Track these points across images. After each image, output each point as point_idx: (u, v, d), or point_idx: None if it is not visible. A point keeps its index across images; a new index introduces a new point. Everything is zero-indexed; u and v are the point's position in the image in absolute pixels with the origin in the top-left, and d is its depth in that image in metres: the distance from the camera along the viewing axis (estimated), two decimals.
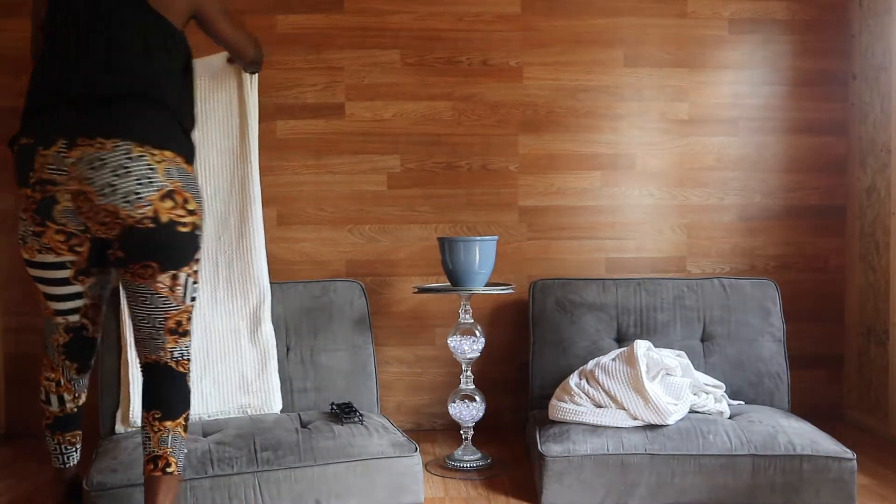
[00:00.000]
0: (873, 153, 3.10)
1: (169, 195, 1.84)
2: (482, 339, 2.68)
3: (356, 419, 2.40)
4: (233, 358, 2.60)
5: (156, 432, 1.88)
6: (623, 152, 3.19)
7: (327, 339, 2.75)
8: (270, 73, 3.08)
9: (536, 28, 3.14)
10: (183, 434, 1.91)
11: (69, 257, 1.91)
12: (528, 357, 2.90)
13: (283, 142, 3.10)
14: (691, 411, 2.46)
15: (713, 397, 2.54)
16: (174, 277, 1.89)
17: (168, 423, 1.88)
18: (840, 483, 2.24)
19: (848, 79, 3.23)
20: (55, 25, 1.96)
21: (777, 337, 2.85)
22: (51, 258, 1.90)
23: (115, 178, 1.79)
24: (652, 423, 2.33)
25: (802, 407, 2.93)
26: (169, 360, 1.92)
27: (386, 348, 3.14)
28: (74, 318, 2.02)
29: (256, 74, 2.66)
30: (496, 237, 2.69)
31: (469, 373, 2.70)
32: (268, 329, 2.66)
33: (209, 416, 2.54)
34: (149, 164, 1.82)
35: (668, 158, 3.20)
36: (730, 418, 2.45)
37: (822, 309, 3.26)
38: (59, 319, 2.02)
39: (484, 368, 3.05)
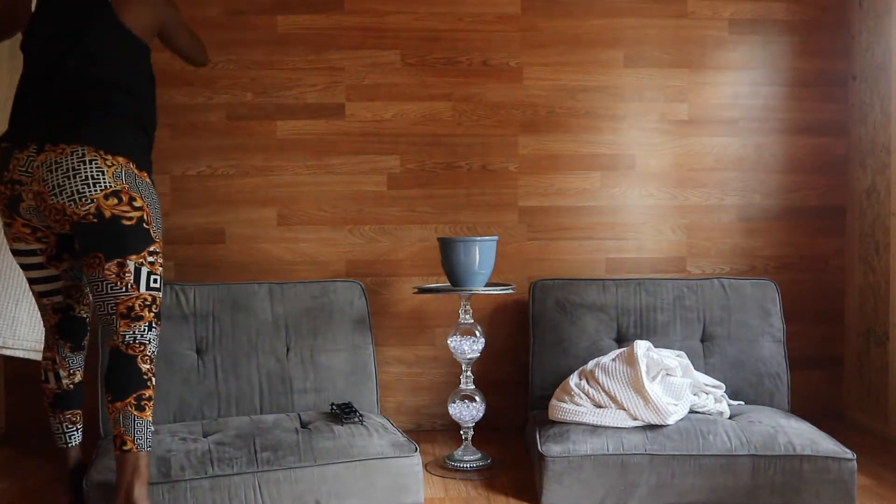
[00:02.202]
0: (873, 154, 3.10)
1: (114, 194, 2.01)
2: (482, 340, 2.68)
3: (356, 419, 2.40)
4: None
5: (111, 413, 2.01)
6: (623, 153, 3.19)
7: (327, 340, 2.75)
8: (270, 73, 3.08)
9: (536, 28, 3.14)
10: (135, 413, 1.99)
11: (37, 246, 2.14)
12: (527, 357, 2.90)
13: (283, 142, 3.10)
14: (691, 411, 2.46)
15: (713, 397, 2.54)
16: (120, 265, 2.02)
17: (118, 404, 1.99)
18: (840, 483, 2.24)
19: (848, 79, 3.23)
20: (35, 38, 2.15)
21: (777, 337, 2.85)
22: (23, 246, 2.14)
23: (65, 179, 1.98)
24: (652, 423, 2.33)
25: (802, 407, 2.93)
26: (120, 344, 2.03)
27: (386, 348, 3.14)
28: (58, 298, 2.23)
29: None
30: (496, 237, 2.69)
31: (469, 373, 2.70)
32: None
33: None
34: (99, 168, 2.00)
35: (668, 159, 3.20)
36: (730, 418, 2.45)
37: (822, 309, 3.26)
38: (45, 301, 2.23)
39: (484, 369, 3.05)
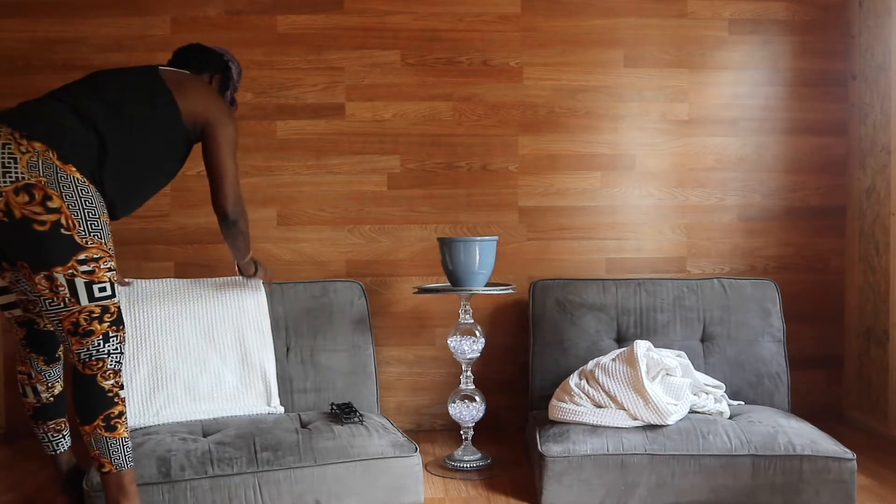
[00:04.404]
0: (873, 154, 3.10)
1: (25, 189, 1.75)
2: (482, 340, 2.68)
3: (356, 419, 2.40)
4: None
5: (84, 436, 1.89)
6: (623, 153, 3.19)
7: (327, 340, 2.75)
8: (271, 73, 3.08)
9: (536, 28, 3.14)
10: (106, 434, 1.86)
11: None
12: (527, 357, 2.90)
13: (283, 142, 3.10)
14: (691, 411, 2.46)
15: (713, 397, 2.53)
16: (49, 278, 1.79)
17: (86, 427, 1.87)
18: (840, 483, 2.24)
19: (848, 79, 3.23)
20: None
21: (777, 337, 2.85)
22: None
23: None
24: (652, 423, 2.33)
25: (802, 407, 2.93)
26: (77, 363, 1.87)
27: (386, 348, 3.14)
28: (17, 312, 2.08)
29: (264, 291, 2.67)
30: (496, 237, 2.69)
31: (469, 373, 2.70)
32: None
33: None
34: (11, 154, 1.76)
35: (668, 159, 3.20)
36: (730, 418, 2.45)
37: (822, 309, 3.26)
38: (7, 315, 2.09)
39: (484, 368, 3.05)
